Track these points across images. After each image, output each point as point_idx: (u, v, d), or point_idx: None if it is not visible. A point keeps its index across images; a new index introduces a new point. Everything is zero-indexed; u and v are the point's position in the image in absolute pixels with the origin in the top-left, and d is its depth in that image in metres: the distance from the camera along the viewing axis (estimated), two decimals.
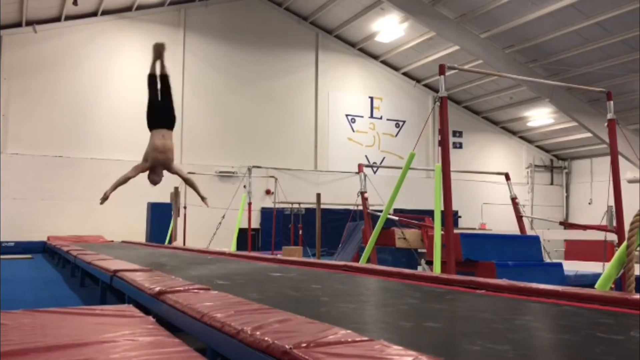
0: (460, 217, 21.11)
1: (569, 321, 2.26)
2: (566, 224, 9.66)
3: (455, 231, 8.56)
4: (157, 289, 3.24)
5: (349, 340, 1.70)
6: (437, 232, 5.53)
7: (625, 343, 1.82)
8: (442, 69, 5.84)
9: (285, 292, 3.48)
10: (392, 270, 4.41)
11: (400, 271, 4.33)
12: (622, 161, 12.04)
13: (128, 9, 17.51)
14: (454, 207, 22.68)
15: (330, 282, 4.06)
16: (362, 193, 8.13)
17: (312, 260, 6.83)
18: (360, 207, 8.78)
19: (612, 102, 6.60)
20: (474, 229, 18.39)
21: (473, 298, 3.02)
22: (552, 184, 24.21)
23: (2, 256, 12.06)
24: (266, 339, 1.77)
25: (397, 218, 7.78)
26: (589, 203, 22.44)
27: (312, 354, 1.56)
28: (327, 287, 3.76)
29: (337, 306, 2.83)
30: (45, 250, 14.50)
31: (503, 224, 17.95)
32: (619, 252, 3.72)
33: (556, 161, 24.36)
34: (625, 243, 3.55)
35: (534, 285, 3.07)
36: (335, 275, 4.60)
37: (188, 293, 3.06)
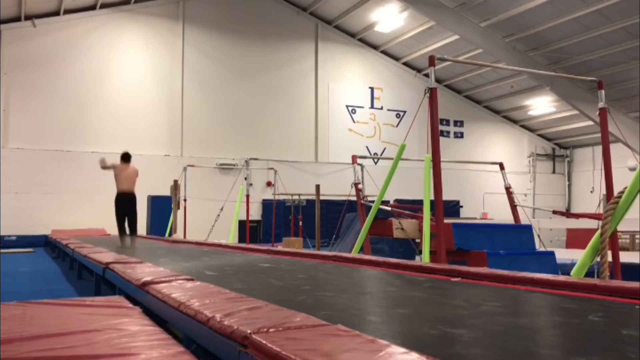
0: (462, 206, 21.14)
1: (533, 306, 2.32)
2: (558, 213, 9.67)
3: (454, 221, 8.61)
4: (143, 280, 3.32)
5: (308, 325, 1.76)
6: (426, 222, 5.58)
7: (580, 326, 1.88)
8: (431, 60, 5.86)
9: (269, 282, 3.55)
10: (378, 260, 4.47)
11: (386, 260, 4.39)
12: (624, 149, 12.04)
13: (127, 1, 17.52)
14: (456, 197, 22.43)
15: (316, 272, 4.13)
16: (355, 184, 8.17)
17: (304, 251, 6.90)
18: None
19: (603, 91, 6.60)
20: (475, 218, 18.42)
21: (450, 286, 3.08)
22: (554, 172, 24.16)
23: (4, 250, 12.20)
24: (231, 325, 1.84)
25: (389, 209, 7.82)
26: (591, 191, 22.40)
27: (269, 338, 1.63)
28: (312, 276, 3.82)
29: (315, 295, 2.89)
30: (47, 244, 14.63)
31: (505, 213, 17.93)
32: (593, 240, 3.75)
33: (558, 150, 24.30)
34: (599, 231, 3.57)
35: (511, 273, 3.13)
36: (324, 265, 4.67)
37: (171, 284, 3.13)
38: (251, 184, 15.83)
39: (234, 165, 18.15)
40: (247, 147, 18.50)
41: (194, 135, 18.06)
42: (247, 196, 13.37)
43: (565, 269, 7.02)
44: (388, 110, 21.59)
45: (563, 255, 8.15)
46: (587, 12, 14.82)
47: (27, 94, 16.15)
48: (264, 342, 1.60)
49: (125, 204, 8.45)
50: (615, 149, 8.85)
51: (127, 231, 8.47)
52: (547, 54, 17.40)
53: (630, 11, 14.19)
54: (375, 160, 18.25)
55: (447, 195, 6.90)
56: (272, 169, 16.67)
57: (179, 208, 13.05)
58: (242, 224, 14.67)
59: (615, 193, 4.30)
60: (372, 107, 21.36)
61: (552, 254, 6.89)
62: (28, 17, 16.21)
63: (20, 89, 16.07)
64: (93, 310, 2.80)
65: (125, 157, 8.63)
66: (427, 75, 21.98)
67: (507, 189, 9.33)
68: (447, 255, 5.72)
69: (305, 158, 19.70)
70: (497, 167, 10.57)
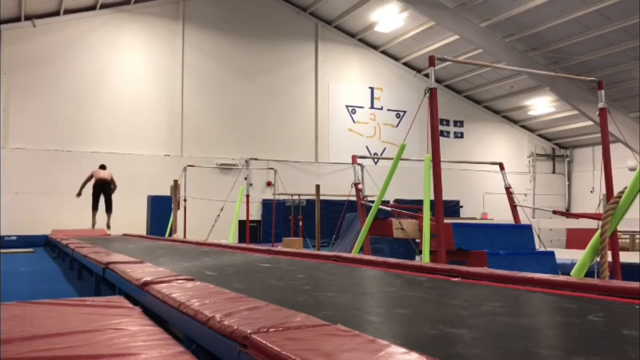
0: (462, 206, 21.14)
1: (533, 306, 2.32)
2: (559, 213, 9.68)
3: (454, 221, 8.61)
4: (143, 279, 3.31)
5: (308, 325, 1.76)
6: (426, 222, 5.58)
7: (580, 326, 1.88)
8: (431, 61, 5.86)
9: (269, 282, 3.55)
10: (378, 260, 4.47)
11: (386, 260, 4.39)
12: (624, 149, 12.04)
13: (127, 2, 17.52)
14: (456, 197, 22.39)
15: (316, 272, 4.13)
16: (355, 184, 8.16)
17: (304, 251, 6.90)
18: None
19: (603, 91, 6.60)
20: (475, 218, 18.42)
21: (450, 286, 3.07)
22: (554, 172, 24.17)
23: (4, 250, 12.20)
24: (231, 325, 1.84)
25: (389, 209, 7.82)
26: (591, 191, 22.42)
27: (269, 338, 1.63)
28: (312, 277, 3.82)
29: (315, 295, 2.89)
30: (47, 244, 14.62)
31: (505, 213, 17.95)
32: (593, 239, 3.75)
33: (558, 150, 24.31)
34: (599, 231, 3.57)
35: (511, 273, 3.13)
36: (324, 265, 4.67)
37: (171, 284, 3.13)
38: (251, 184, 15.84)
39: (234, 165, 18.16)
40: (247, 147, 18.51)
41: (193, 135, 18.07)
42: (247, 196, 13.37)
43: (565, 269, 7.02)
44: (388, 110, 21.60)
45: (563, 255, 8.15)
46: (587, 12, 14.83)
47: (27, 94, 16.15)
48: (264, 342, 1.60)
49: (100, 188, 12.93)
50: (615, 149, 8.85)
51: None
52: (547, 54, 17.40)
53: (630, 11, 14.20)
54: (375, 160, 18.26)
55: (447, 195, 6.91)
56: (272, 169, 16.67)
57: (179, 208, 13.05)
58: (242, 224, 14.67)
59: (615, 193, 4.30)
60: (372, 107, 21.36)
61: (552, 254, 6.89)
62: (28, 17, 16.21)
63: (20, 89, 16.07)
64: (93, 310, 2.79)
65: (102, 166, 13.80)
66: (427, 75, 21.99)
67: (507, 189, 9.33)
68: (447, 255, 5.72)
69: (305, 158, 19.70)
70: (497, 167, 10.57)
